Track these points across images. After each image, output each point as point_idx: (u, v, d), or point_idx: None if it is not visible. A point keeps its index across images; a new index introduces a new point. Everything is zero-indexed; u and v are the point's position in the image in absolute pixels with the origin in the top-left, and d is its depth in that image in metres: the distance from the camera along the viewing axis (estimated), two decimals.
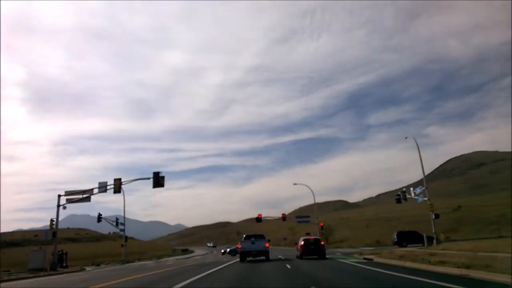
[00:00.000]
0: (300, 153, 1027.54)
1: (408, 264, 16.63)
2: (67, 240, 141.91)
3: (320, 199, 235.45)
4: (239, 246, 26.43)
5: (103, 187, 28.75)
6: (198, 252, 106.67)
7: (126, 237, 55.44)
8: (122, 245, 53.67)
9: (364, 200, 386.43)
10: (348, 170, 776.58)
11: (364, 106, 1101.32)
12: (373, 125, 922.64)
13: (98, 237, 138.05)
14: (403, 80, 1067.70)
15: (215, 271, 18.83)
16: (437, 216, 30.77)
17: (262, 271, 17.39)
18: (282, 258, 29.79)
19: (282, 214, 56.56)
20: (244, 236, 28.03)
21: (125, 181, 29.00)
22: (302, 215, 62.61)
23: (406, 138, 35.05)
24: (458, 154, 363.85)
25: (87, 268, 34.20)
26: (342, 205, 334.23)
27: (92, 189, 29.26)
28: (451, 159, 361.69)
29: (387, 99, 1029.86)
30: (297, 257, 28.33)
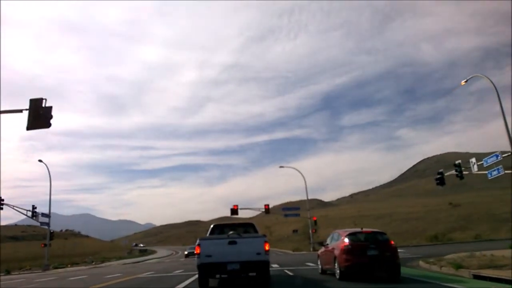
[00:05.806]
0: (274, 153, 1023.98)
1: None
2: (10, 238, 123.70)
3: (294, 198, 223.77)
4: (197, 249, 10.30)
5: None
6: (161, 253, 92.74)
7: (52, 234, 41.15)
8: (45, 245, 39.29)
9: (338, 199, 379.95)
10: (321, 170, 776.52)
11: (338, 107, 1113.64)
12: (346, 127, 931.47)
13: (46, 235, 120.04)
14: (376, 83, 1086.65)
15: None
16: None
17: None
18: (290, 273, 15.82)
19: (265, 205, 43.41)
20: (212, 226, 13.14)
21: None
22: (290, 207, 49.72)
23: (466, 81, 22.83)
24: (429, 156, 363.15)
25: None
26: (316, 204, 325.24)
27: None
28: (423, 159, 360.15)
29: (360, 101, 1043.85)
30: (322, 272, 14.22)
